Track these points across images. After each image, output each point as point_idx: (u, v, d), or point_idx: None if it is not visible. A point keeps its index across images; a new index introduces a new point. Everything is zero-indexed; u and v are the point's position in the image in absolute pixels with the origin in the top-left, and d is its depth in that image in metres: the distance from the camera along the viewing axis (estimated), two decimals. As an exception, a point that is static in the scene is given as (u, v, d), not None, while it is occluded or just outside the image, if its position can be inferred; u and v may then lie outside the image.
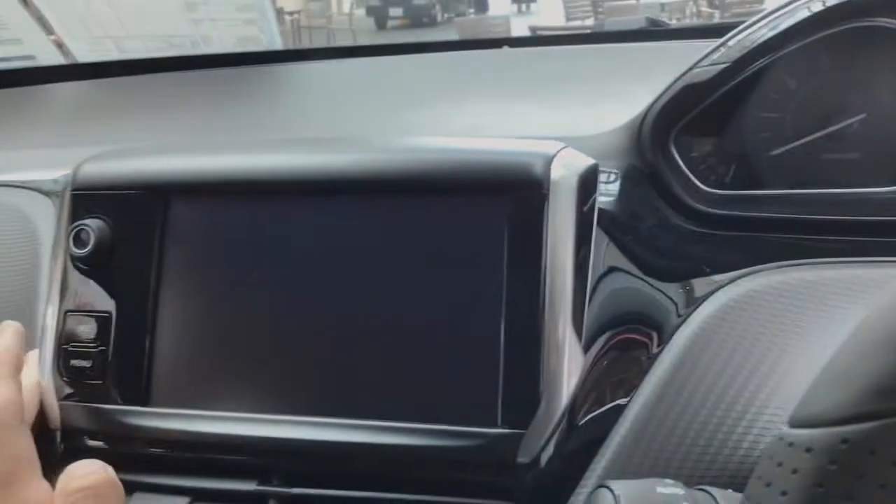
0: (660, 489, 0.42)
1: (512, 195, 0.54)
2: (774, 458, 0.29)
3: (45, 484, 0.45)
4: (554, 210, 0.54)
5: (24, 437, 0.47)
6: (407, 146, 0.60)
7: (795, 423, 0.29)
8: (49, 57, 1.24)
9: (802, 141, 0.66)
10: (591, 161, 0.58)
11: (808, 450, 0.28)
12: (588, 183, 0.57)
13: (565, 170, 0.55)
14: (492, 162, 0.56)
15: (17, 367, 0.52)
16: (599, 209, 0.58)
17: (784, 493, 0.28)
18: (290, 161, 0.60)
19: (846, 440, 0.27)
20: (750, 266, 0.60)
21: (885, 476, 0.26)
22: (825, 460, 0.27)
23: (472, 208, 0.55)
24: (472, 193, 0.55)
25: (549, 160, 0.55)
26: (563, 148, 0.57)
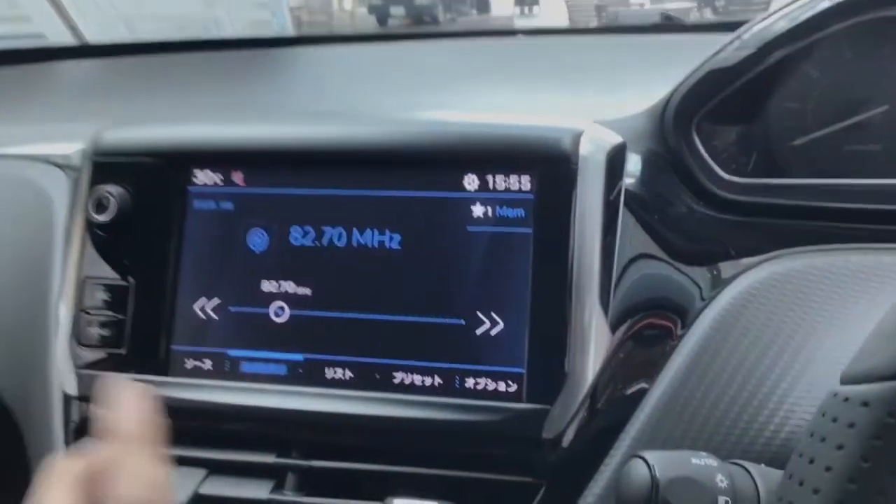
0: (694, 460, 0.42)
1: (541, 169, 0.54)
2: (829, 414, 0.29)
3: None
4: (583, 185, 0.54)
5: None
6: (436, 120, 0.59)
7: (849, 380, 0.29)
8: (59, 36, 1.23)
9: (824, 131, 0.66)
10: (619, 139, 0.58)
11: (865, 404, 0.27)
12: (616, 160, 0.56)
13: (594, 146, 0.55)
14: (522, 136, 0.55)
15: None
16: (625, 190, 0.58)
17: (840, 447, 0.28)
18: (314, 132, 0.59)
19: (903, 393, 0.27)
20: (773, 250, 0.60)
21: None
22: (883, 413, 0.27)
23: (502, 182, 0.55)
24: (501, 167, 0.55)
25: (577, 135, 0.55)
26: (591, 124, 0.57)
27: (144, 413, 0.42)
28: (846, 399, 0.28)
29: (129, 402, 0.42)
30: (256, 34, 1.29)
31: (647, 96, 0.68)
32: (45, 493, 0.39)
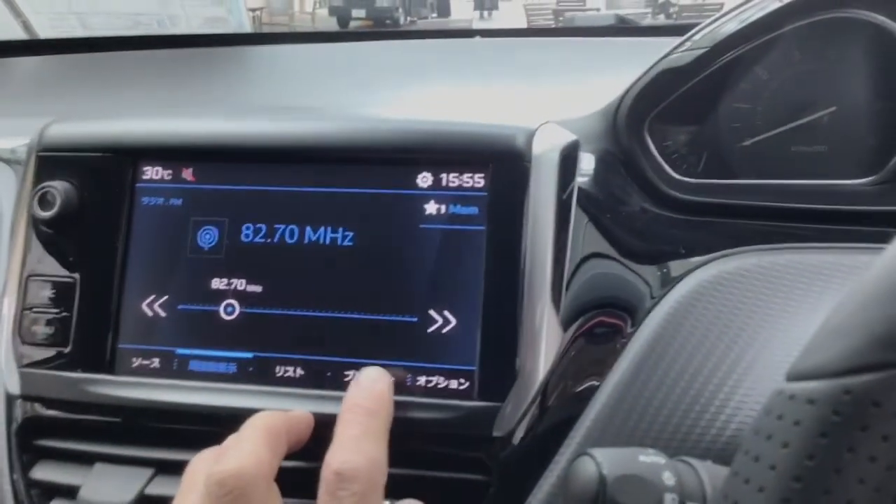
0: (642, 457, 0.42)
1: (494, 167, 0.54)
2: (774, 412, 0.29)
3: None
4: (536, 184, 0.54)
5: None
6: (387, 117, 0.59)
7: (796, 376, 0.29)
8: (9, 31, 1.20)
9: (773, 132, 0.67)
10: (572, 137, 0.58)
11: (811, 401, 0.28)
12: (569, 159, 0.57)
13: (547, 144, 0.55)
14: (474, 134, 0.55)
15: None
16: (577, 188, 0.58)
17: (786, 445, 0.28)
18: (266, 127, 0.59)
19: (849, 391, 0.27)
20: (722, 249, 0.61)
21: (888, 427, 0.26)
22: (828, 411, 0.27)
23: (455, 180, 0.55)
24: (454, 165, 0.55)
25: (531, 134, 0.55)
26: (545, 123, 0.57)
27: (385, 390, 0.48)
28: (791, 396, 0.28)
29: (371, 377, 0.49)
30: (212, 31, 1.27)
31: (601, 97, 0.68)
32: (238, 441, 0.45)
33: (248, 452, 0.44)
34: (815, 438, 0.27)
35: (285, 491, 0.53)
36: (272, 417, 0.48)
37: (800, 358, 0.30)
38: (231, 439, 0.46)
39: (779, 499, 0.28)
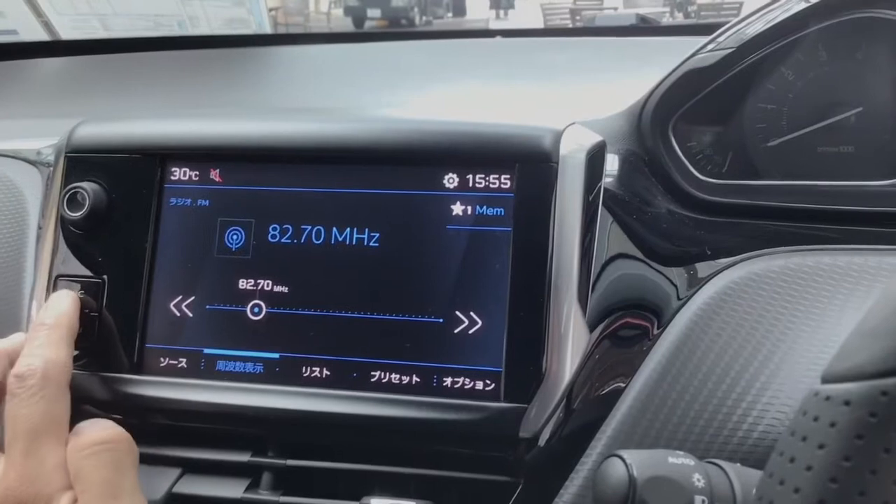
0: (671, 459, 0.42)
1: (521, 169, 0.54)
2: (810, 413, 0.29)
3: (62, 447, 0.47)
4: (563, 185, 0.54)
5: (65, 400, 0.49)
6: (413, 119, 0.59)
7: (831, 378, 0.29)
8: (32, 32, 1.21)
9: (799, 133, 0.67)
10: (599, 138, 0.58)
11: (847, 403, 0.28)
12: (596, 160, 0.57)
13: (575, 144, 0.55)
14: (501, 135, 0.55)
15: (73, 332, 0.54)
16: (603, 190, 0.58)
17: (822, 446, 0.28)
18: (293, 129, 0.59)
19: (885, 392, 0.27)
20: (749, 251, 0.60)
21: (925, 429, 0.26)
22: (864, 412, 0.27)
23: (482, 181, 0.55)
24: (481, 166, 0.55)
25: (558, 135, 0.55)
26: (572, 124, 0.57)
27: (65, 308, 0.54)
28: (827, 398, 0.28)
29: (55, 298, 0.55)
30: (233, 32, 1.28)
31: (623, 97, 0.68)
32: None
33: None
34: (852, 440, 0.27)
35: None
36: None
37: (835, 360, 0.30)
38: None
39: (815, 500, 0.28)
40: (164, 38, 1.27)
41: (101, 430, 0.48)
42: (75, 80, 1.15)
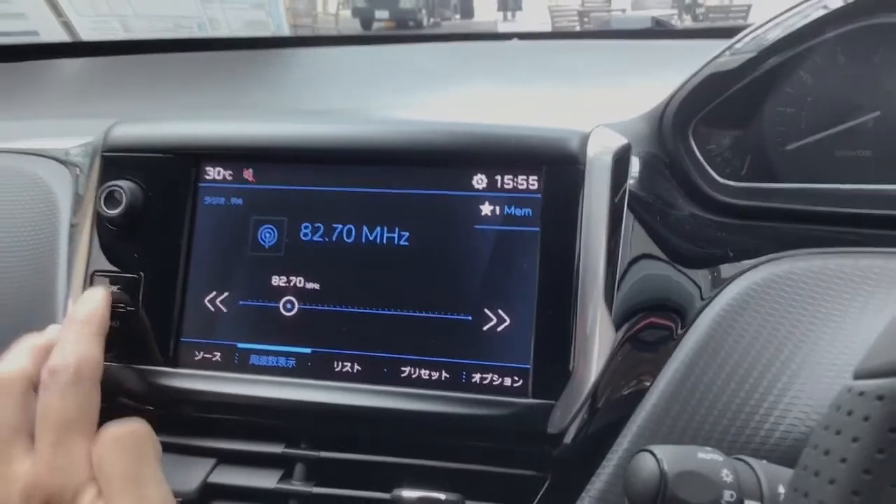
0: (700, 455, 0.43)
1: (549, 170, 0.55)
2: (843, 408, 0.30)
3: (90, 442, 0.49)
4: (590, 186, 0.55)
5: (96, 395, 0.51)
6: (446, 121, 0.60)
7: (864, 374, 0.30)
8: (53, 33, 1.22)
9: (818, 136, 0.68)
10: (624, 141, 0.59)
11: (880, 398, 0.29)
12: (622, 162, 0.58)
13: (601, 147, 0.56)
14: (529, 137, 0.57)
15: (104, 328, 0.55)
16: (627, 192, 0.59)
17: (856, 440, 0.29)
18: (325, 130, 0.60)
19: (918, 387, 0.28)
20: (771, 253, 0.61)
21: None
22: None
23: (510, 182, 0.56)
24: (509, 167, 0.56)
25: (585, 137, 0.56)
26: (598, 126, 0.58)
27: (97, 304, 0.55)
28: (861, 393, 0.30)
29: (88, 294, 0.56)
30: (253, 34, 1.29)
31: (641, 100, 0.69)
32: (8, 356, 0.53)
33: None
34: (885, 433, 0.28)
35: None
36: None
37: (867, 357, 0.31)
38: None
39: (850, 490, 0.29)
40: (184, 39, 1.28)
41: (122, 424, 0.50)
42: (96, 80, 1.16)
